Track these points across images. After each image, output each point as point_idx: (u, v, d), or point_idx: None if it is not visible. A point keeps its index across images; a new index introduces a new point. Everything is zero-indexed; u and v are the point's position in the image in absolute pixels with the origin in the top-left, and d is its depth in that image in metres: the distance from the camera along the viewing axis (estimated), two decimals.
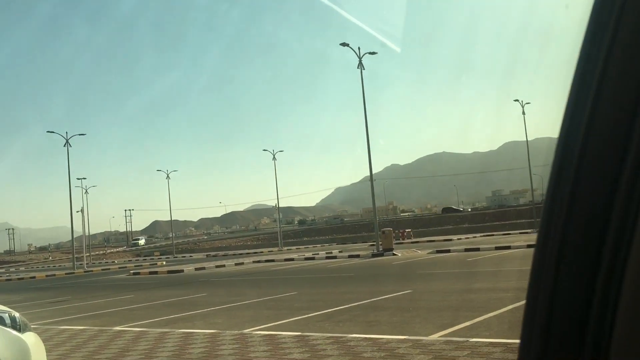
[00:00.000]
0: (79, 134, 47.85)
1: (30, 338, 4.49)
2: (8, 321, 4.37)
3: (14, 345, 4.25)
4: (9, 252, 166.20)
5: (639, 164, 0.71)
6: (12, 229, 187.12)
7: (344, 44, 30.55)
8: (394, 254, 27.78)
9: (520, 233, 41.94)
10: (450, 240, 39.48)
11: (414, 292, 12.64)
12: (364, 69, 30.97)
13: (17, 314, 4.52)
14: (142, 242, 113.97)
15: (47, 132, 46.09)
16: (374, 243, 32.66)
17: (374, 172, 31.10)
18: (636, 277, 0.69)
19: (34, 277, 38.19)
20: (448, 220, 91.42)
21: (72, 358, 7.13)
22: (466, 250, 26.50)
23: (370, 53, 31.45)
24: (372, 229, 37.23)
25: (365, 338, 6.98)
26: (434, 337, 7.00)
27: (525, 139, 44.65)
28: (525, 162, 46.10)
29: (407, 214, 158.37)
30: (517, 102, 45.00)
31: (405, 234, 46.80)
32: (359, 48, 30.91)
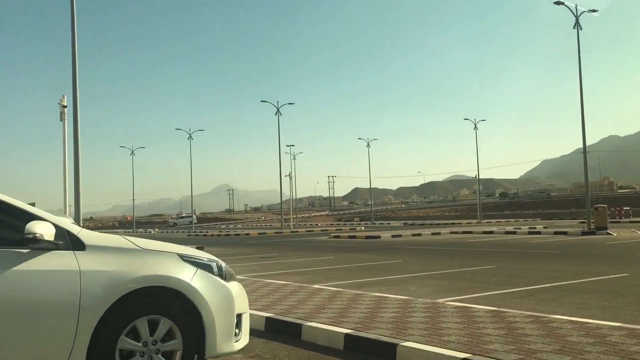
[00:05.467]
0: (288, 103, 50.95)
1: (234, 287, 4.81)
2: (215, 270, 4.72)
3: (219, 292, 4.60)
4: (229, 211, 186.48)
5: None
6: (232, 190, 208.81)
7: (558, 2, 27.91)
8: (608, 233, 25.41)
9: None
10: None
11: (631, 275, 11.27)
12: (580, 29, 28.10)
13: (223, 264, 4.86)
14: (176, 221, 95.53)
15: (261, 101, 50.00)
16: (585, 220, 30.10)
17: (588, 143, 28.30)
18: None
19: (247, 234, 42.27)
20: None
21: (273, 309, 7.63)
22: None
23: (590, 11, 28.39)
24: (582, 205, 34.22)
25: (571, 320, 6.35)
26: None
27: None
28: None
29: (625, 190, 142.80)
30: None
31: (622, 212, 42.30)
32: (575, 6, 28.07)
